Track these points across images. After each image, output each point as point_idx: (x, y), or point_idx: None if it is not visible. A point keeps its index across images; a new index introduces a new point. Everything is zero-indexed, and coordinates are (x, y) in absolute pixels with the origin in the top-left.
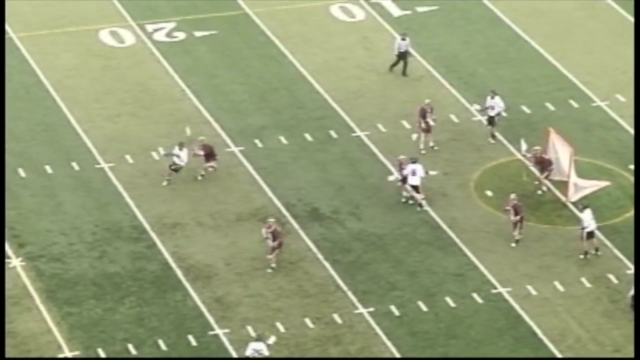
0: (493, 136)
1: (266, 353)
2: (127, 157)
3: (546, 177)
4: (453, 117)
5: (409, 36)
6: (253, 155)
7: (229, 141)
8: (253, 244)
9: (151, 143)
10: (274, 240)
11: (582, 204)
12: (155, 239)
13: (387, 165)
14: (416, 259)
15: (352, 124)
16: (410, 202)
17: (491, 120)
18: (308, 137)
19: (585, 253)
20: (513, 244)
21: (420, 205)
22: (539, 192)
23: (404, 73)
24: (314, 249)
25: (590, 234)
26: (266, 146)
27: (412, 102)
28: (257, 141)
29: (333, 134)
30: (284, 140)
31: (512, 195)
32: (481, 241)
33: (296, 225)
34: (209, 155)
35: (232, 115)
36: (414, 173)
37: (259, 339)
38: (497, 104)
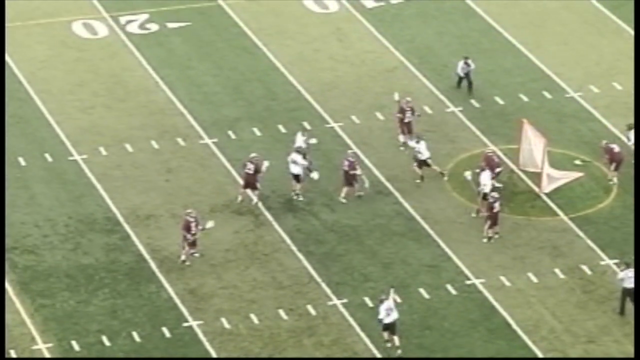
0: (421, 178)
1: (395, 311)
2: (101, 149)
3: (494, 178)
4: (427, 109)
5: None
6: (227, 147)
7: (202, 133)
8: (227, 236)
9: (125, 135)
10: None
11: (479, 166)
12: (129, 230)
13: (360, 157)
14: (390, 250)
15: (325, 116)
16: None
17: (421, 163)
18: (282, 128)
19: (478, 211)
20: (485, 240)
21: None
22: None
23: (458, 85)
24: (288, 241)
25: (485, 196)
26: (240, 138)
27: (385, 94)
28: (230, 133)
29: (307, 125)
30: (257, 132)
31: (493, 193)
32: (455, 232)
33: (270, 217)
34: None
35: (205, 106)
36: (294, 162)
37: (384, 298)
38: (421, 148)
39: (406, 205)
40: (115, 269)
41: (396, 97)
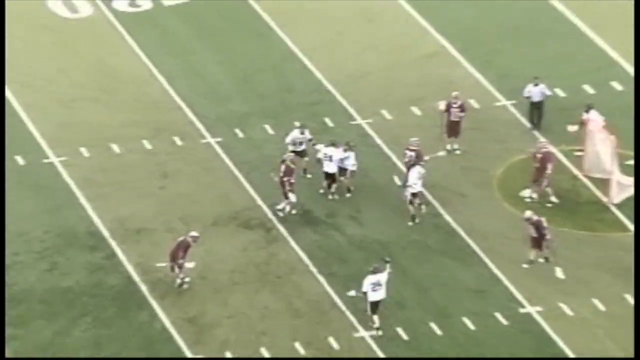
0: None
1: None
2: (83, 150)
3: (548, 185)
4: (473, 102)
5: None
6: (233, 148)
7: (204, 131)
8: (233, 253)
9: (112, 133)
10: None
11: (411, 161)
12: (116, 247)
13: (393, 159)
14: (428, 272)
15: (352, 111)
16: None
17: (341, 173)
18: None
19: (416, 211)
20: (525, 265)
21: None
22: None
23: (537, 124)
24: (306, 260)
25: (415, 195)
26: (249, 136)
27: (422, 85)
28: (238, 131)
29: (329, 122)
30: (270, 130)
31: (528, 213)
32: (506, 250)
33: (285, 232)
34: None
35: (208, 100)
36: (330, 159)
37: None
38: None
39: (447, 217)
40: (99, 293)
41: (441, 106)
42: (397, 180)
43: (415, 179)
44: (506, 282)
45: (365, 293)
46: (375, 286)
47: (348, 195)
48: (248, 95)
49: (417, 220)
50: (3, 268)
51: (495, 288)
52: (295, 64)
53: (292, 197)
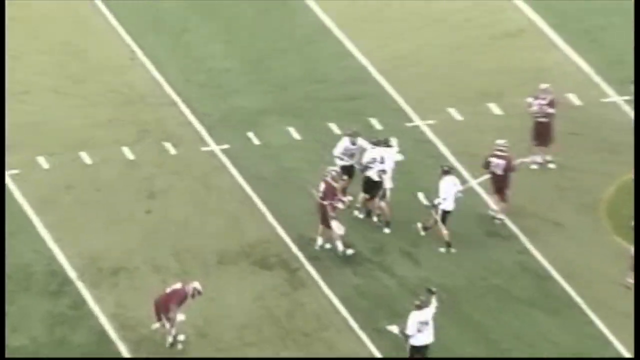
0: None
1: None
2: (41, 159)
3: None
4: (572, 97)
5: None
6: (245, 157)
7: (206, 135)
8: (245, 303)
9: (81, 137)
10: None
11: (444, 167)
12: (86, 292)
13: (463, 174)
14: (510, 328)
15: (406, 108)
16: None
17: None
18: (334, 128)
19: (425, 228)
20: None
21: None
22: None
23: None
24: (344, 312)
25: (445, 215)
26: (266, 142)
27: (502, 74)
28: (251, 134)
29: (375, 123)
30: (294, 134)
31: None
32: (617, 300)
33: (315, 273)
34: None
35: (210, 92)
36: (381, 161)
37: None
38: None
39: (538, 256)
40: (63, 353)
41: (534, 106)
42: (424, 200)
43: (446, 193)
44: (617, 344)
45: (409, 337)
46: (422, 326)
47: (387, 230)
48: (264, 87)
49: (452, 250)
50: (3, 270)
51: (603, 350)
52: (328, 45)
53: (337, 227)
